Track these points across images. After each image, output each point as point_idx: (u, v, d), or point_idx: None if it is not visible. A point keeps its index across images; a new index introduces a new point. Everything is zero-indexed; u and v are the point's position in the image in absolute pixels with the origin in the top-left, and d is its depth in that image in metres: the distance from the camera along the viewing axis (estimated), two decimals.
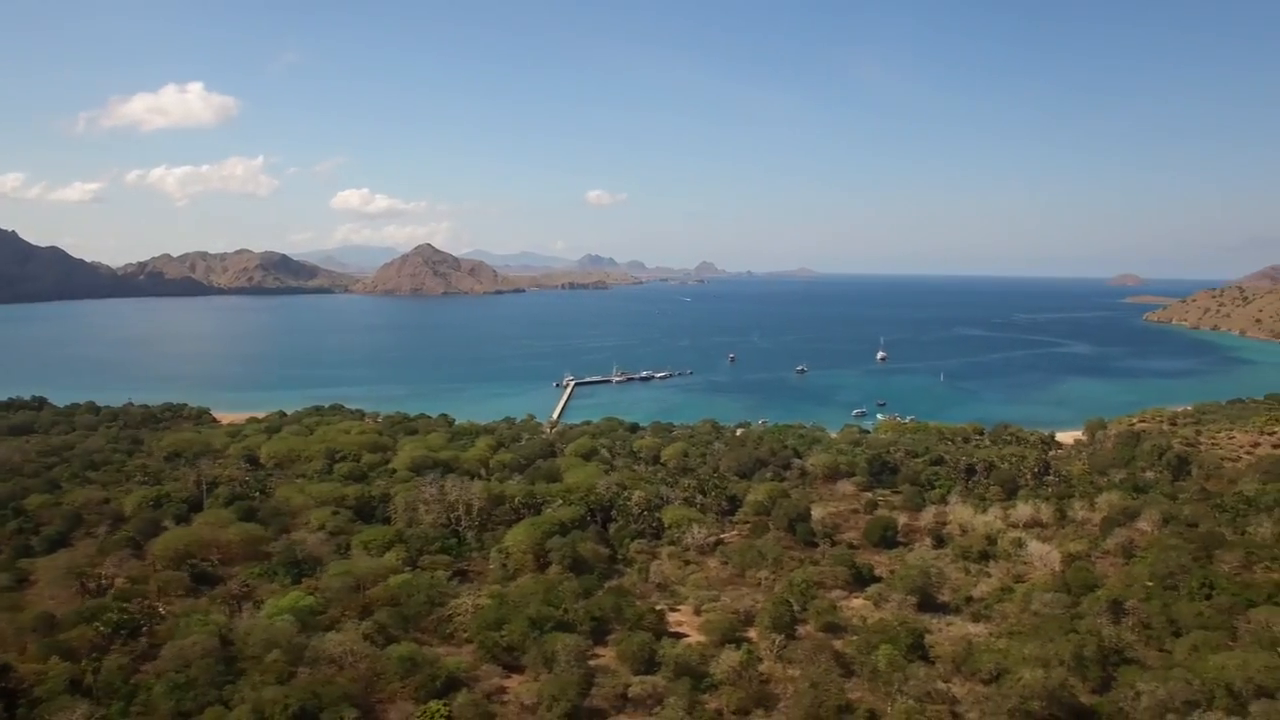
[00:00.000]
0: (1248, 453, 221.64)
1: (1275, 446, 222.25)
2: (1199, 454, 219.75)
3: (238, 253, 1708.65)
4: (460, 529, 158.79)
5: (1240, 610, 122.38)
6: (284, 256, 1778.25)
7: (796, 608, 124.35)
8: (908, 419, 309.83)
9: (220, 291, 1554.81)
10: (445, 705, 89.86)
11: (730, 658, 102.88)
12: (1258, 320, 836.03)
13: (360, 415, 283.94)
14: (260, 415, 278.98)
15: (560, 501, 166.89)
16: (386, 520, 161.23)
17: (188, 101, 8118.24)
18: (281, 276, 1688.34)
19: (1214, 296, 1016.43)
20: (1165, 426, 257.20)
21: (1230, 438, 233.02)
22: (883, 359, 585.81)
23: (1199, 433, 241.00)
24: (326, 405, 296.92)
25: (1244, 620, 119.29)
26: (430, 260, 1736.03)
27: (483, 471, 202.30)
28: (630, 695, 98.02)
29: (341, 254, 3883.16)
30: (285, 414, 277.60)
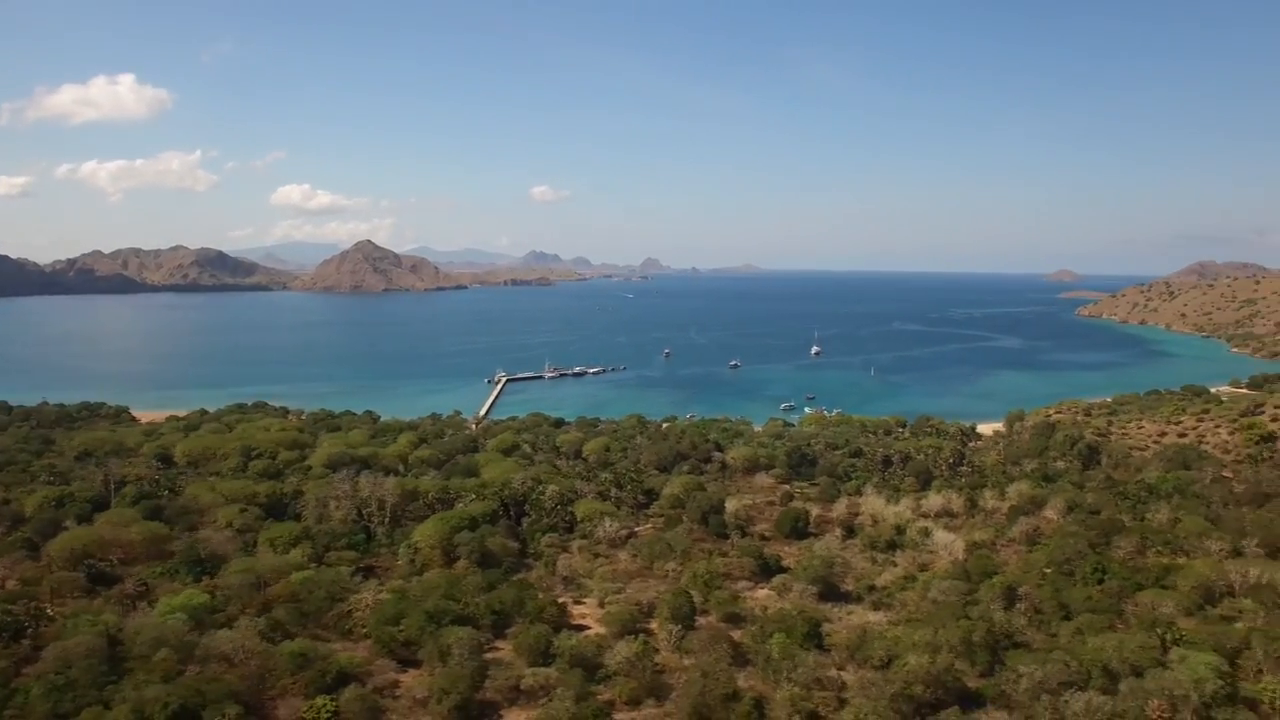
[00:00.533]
0: (1155, 442, 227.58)
1: (1181, 436, 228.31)
2: (1109, 444, 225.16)
3: (172, 249, 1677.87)
4: (371, 525, 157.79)
5: (1129, 594, 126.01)
6: (220, 253, 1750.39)
7: (699, 599, 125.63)
8: (834, 412, 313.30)
9: (154, 289, 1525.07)
10: (333, 700, 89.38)
11: (625, 649, 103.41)
12: (1183, 315, 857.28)
13: (284, 413, 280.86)
14: (181, 414, 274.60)
15: (474, 496, 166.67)
16: (297, 517, 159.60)
17: (118, 94, 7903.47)
18: (218, 273, 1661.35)
19: (1142, 292, 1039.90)
20: (1080, 417, 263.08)
21: (1139, 428, 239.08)
22: (817, 354, 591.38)
23: (1110, 423, 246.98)
24: (250, 403, 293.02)
25: (1131, 603, 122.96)
26: (371, 257, 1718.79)
27: (401, 467, 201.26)
28: (523, 687, 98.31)
29: (282, 250, 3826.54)
30: (207, 412, 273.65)
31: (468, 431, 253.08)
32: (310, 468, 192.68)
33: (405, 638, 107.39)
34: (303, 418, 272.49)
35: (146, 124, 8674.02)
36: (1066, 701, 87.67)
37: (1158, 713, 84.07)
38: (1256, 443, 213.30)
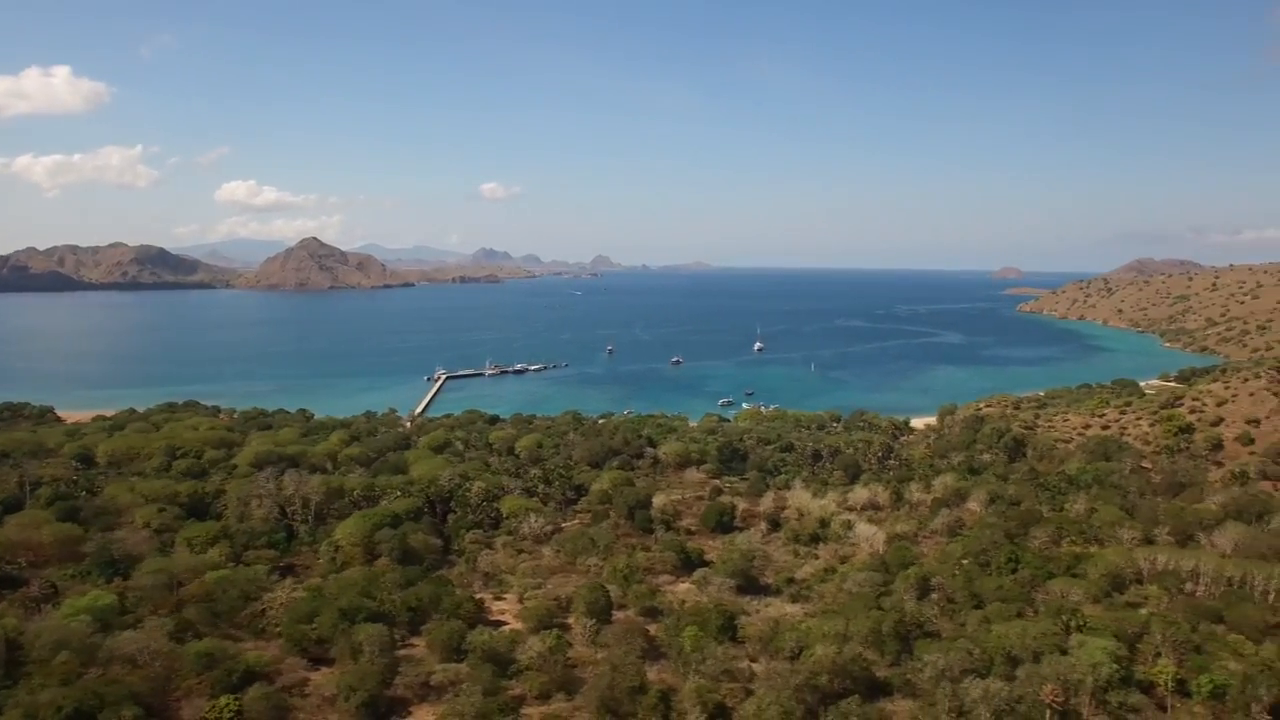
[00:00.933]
0: (1080, 434, 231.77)
1: (1104, 428, 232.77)
2: (1034, 437, 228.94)
3: (111, 246, 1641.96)
4: (294, 523, 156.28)
5: (1040, 582, 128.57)
6: (162, 250, 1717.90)
7: (619, 593, 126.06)
8: (771, 407, 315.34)
9: (91, 287, 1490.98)
10: (236, 700, 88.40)
11: (537, 644, 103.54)
12: (1119, 310, 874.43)
13: (215, 411, 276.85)
14: (110, 414, 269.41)
15: (399, 494, 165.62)
16: (219, 517, 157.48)
17: (53, 86, 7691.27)
18: (159, 271, 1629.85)
19: (1081, 288, 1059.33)
20: (1009, 411, 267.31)
21: (1065, 420, 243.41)
22: (760, 349, 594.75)
23: (1037, 416, 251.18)
24: (181, 402, 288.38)
25: (1042, 592, 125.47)
26: (316, 254, 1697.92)
27: (329, 465, 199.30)
28: (433, 683, 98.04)
29: (227, 248, 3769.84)
30: (135, 411, 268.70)
31: (401, 429, 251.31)
32: (235, 466, 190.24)
33: (318, 635, 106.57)
34: (234, 416, 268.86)
35: (84, 118, 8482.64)
36: (965, 688, 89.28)
37: (1051, 697, 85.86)
38: (1175, 434, 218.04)
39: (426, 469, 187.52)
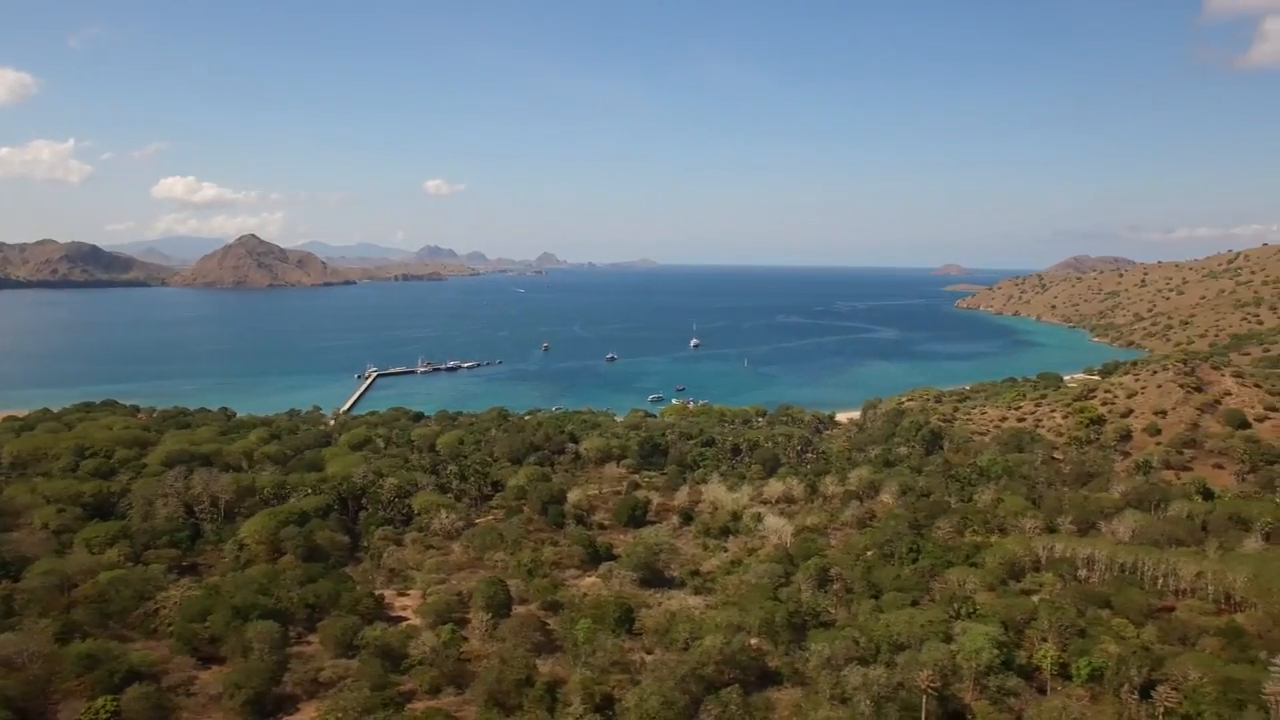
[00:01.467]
0: (996, 426, 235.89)
1: (1020, 420, 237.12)
2: (952, 429, 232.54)
3: (40, 243, 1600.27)
4: (201, 522, 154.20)
5: (939, 572, 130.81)
6: (94, 247, 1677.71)
7: (522, 587, 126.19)
8: (699, 403, 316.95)
9: (19, 285, 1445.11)
10: (114, 700, 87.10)
11: (430, 639, 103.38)
12: (1053, 306, 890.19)
13: (134, 411, 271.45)
14: (22, 414, 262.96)
15: (309, 491, 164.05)
16: (123, 517, 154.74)
17: None
18: (91, 269, 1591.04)
19: (1017, 285, 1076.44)
20: (930, 404, 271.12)
21: (983, 413, 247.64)
22: (696, 346, 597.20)
23: (956, 410, 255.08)
24: (99, 402, 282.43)
25: (940, 581, 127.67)
26: (255, 252, 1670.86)
27: (244, 464, 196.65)
28: (322, 679, 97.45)
29: (165, 245, 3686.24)
30: (50, 411, 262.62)
31: (323, 427, 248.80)
32: (145, 466, 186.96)
33: (211, 634, 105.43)
34: (153, 415, 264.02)
35: (10, 111, 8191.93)
36: (846, 676, 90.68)
37: (927, 683, 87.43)
38: (1086, 426, 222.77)
39: (342, 466, 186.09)
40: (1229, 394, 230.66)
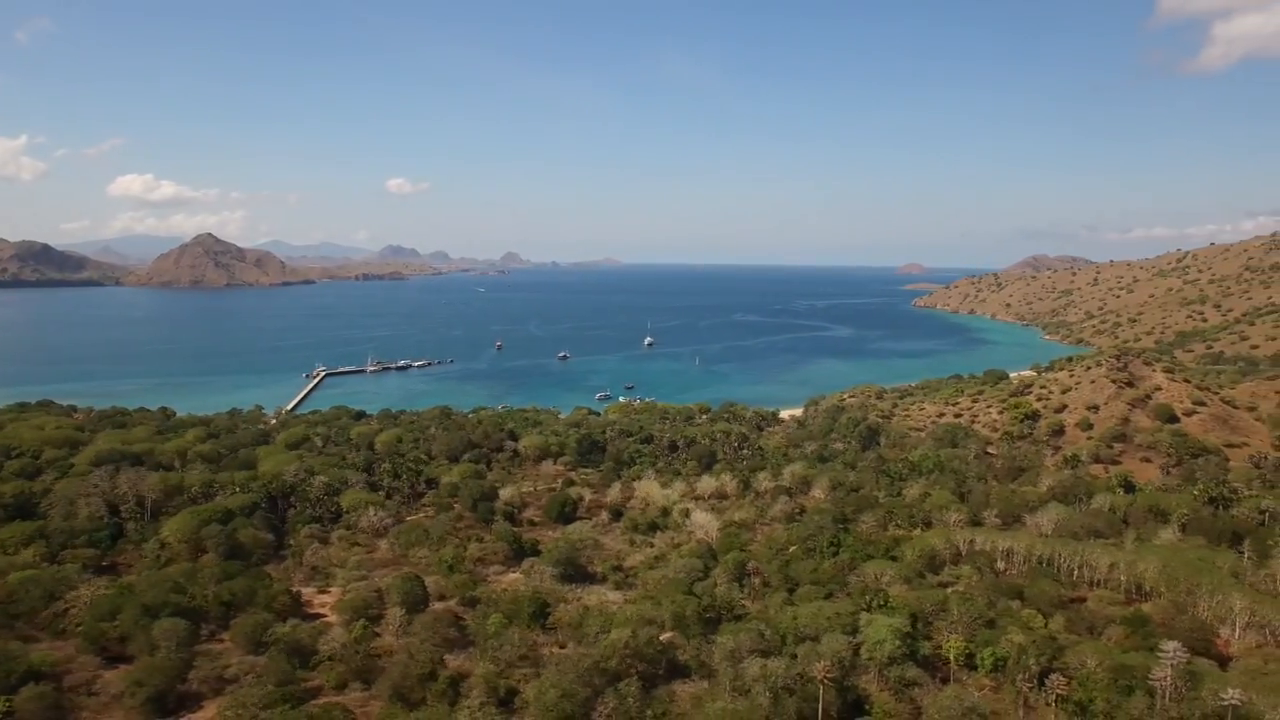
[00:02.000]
0: (934, 422, 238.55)
1: (957, 416, 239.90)
2: (889, 425, 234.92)
3: None
4: (125, 521, 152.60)
5: (858, 565, 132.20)
6: (46, 246, 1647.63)
7: (443, 583, 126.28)
8: (644, 400, 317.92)
9: None
10: (7, 700, 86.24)
11: (339, 635, 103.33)
12: (1008, 305, 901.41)
13: (70, 411, 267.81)
14: None
15: (238, 489, 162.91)
16: (45, 516, 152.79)
17: None
18: (42, 268, 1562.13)
19: (973, 283, 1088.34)
20: (871, 401, 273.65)
21: (921, 409, 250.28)
22: (650, 344, 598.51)
23: (895, 406, 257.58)
24: (34, 402, 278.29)
25: (857, 574, 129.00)
26: (211, 251, 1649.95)
27: (177, 463, 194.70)
28: (227, 676, 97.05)
29: (122, 244, 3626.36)
30: None
31: (262, 426, 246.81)
32: (73, 466, 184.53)
33: (120, 632, 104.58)
34: (90, 415, 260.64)
35: None
36: (745, 667, 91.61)
37: (823, 673, 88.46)
38: (1021, 420, 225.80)
39: (274, 465, 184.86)
40: (1159, 389, 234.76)
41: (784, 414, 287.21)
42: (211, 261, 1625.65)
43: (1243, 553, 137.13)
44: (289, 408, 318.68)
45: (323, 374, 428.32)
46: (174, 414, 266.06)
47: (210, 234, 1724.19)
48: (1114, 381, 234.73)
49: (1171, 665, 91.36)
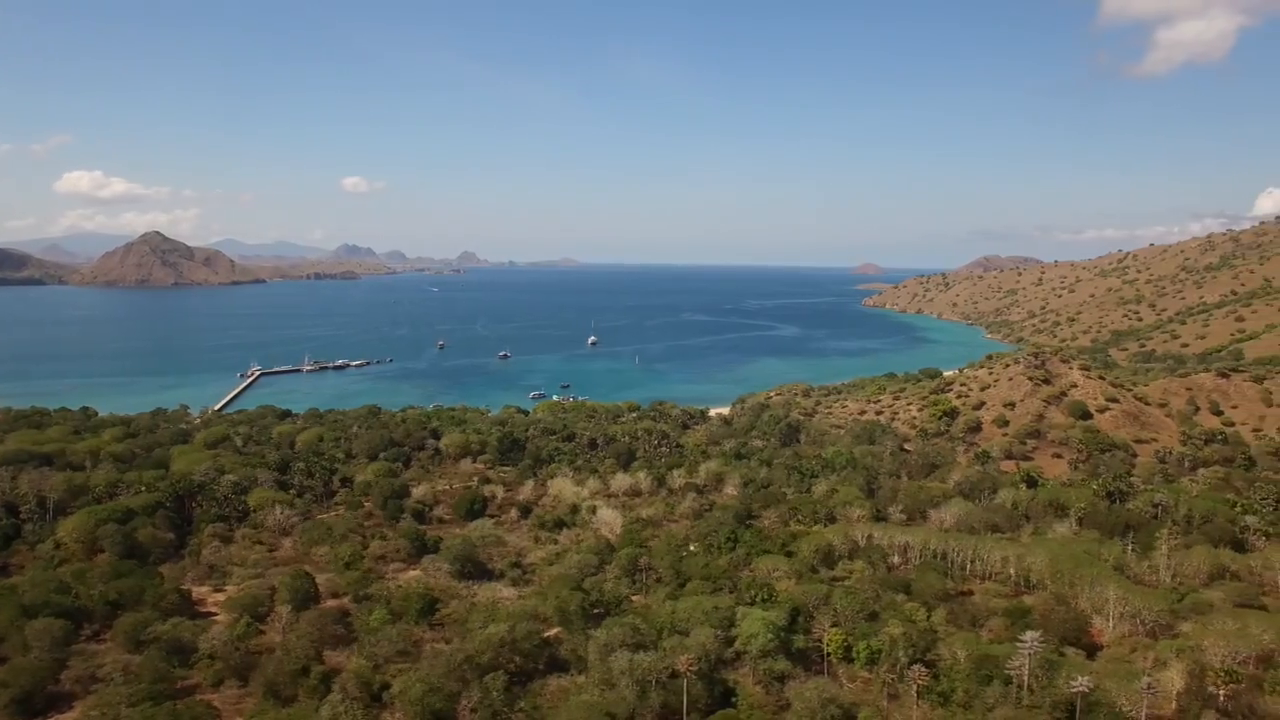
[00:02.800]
0: (855, 419, 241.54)
1: (878, 413, 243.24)
2: (810, 422, 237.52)
3: None
4: (22, 521, 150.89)
5: (753, 560, 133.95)
6: None
7: (338, 581, 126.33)
8: (577, 399, 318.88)
9: None
10: None
11: (222, 632, 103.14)
12: (954, 304, 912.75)
13: None
14: None
15: (144, 489, 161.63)
16: None
17: None
18: None
19: (921, 283, 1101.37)
20: (796, 398, 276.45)
21: (844, 407, 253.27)
22: (593, 343, 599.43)
23: (819, 403, 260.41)
24: None
25: (750, 570, 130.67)
26: (159, 249, 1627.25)
27: (89, 462, 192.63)
28: (101, 675, 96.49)
29: (70, 242, 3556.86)
30: None
31: (184, 425, 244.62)
32: None
33: None
34: (9, 415, 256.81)
35: None
36: (614, 660, 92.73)
37: (686, 666, 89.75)
38: (939, 418, 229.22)
39: (187, 464, 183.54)
40: (1075, 386, 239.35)
41: (713, 412, 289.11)
42: (159, 260, 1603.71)
43: (1129, 545, 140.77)
44: (217, 407, 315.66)
45: (258, 374, 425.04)
46: (96, 414, 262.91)
47: (158, 232, 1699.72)
48: (1031, 379, 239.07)
49: (1030, 655, 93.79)
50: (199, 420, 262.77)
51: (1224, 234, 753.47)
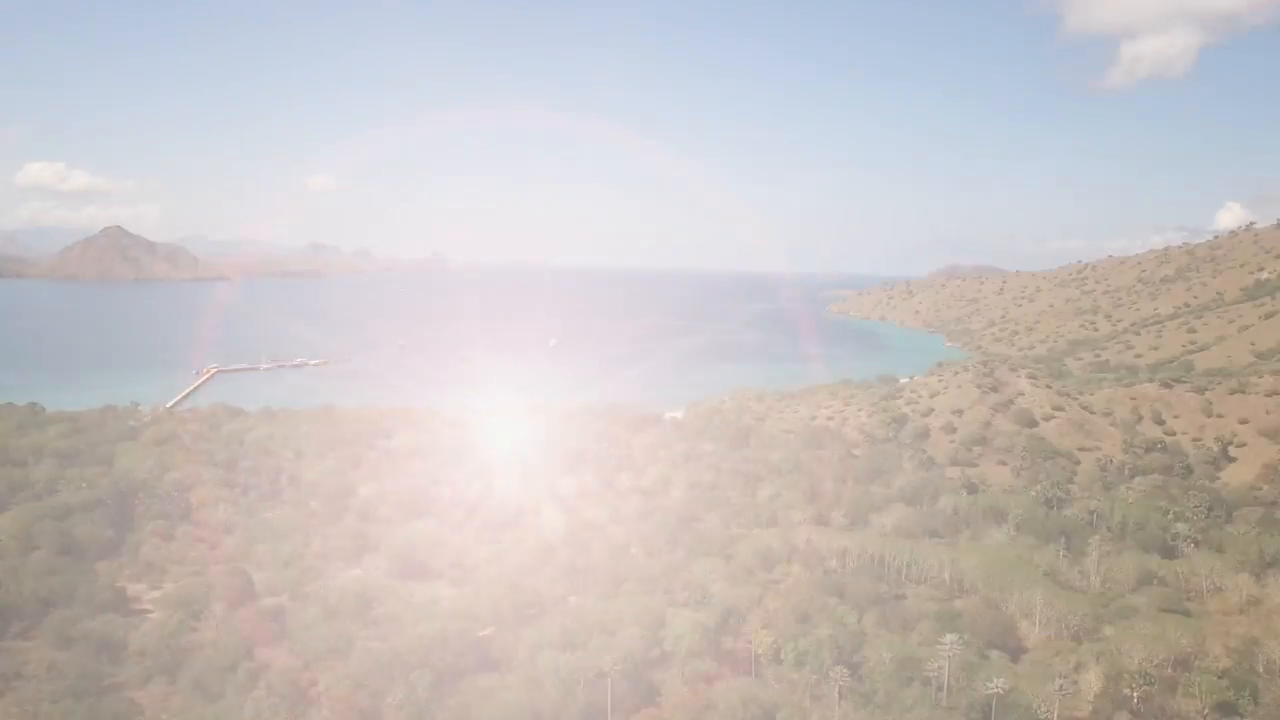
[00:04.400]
0: (806, 425, 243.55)
1: (829, 419, 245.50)
2: (761, 427, 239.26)
3: None
4: None
5: (691, 563, 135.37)
6: None
7: (276, 578, 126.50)
8: (532, 401, 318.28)
9: None
10: None
11: (153, 630, 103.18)
12: (917, 312, 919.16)
13: None
14: None
15: (85, 486, 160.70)
16: None
17: None
18: None
19: (886, 290, 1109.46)
20: (749, 403, 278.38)
21: (795, 412, 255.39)
22: (554, 345, 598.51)
23: (771, 408, 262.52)
24: None
25: (687, 572, 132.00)
26: (120, 244, 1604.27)
27: (31, 459, 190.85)
28: (25, 673, 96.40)
29: (28, 236, 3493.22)
30: None
31: (133, 423, 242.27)
32: None
33: None
34: None
35: None
36: (541, 659, 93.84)
37: (612, 666, 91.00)
38: (888, 424, 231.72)
39: (131, 461, 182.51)
40: (1022, 394, 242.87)
41: (667, 415, 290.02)
42: (119, 255, 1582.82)
43: (1062, 551, 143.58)
44: (169, 405, 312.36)
45: (213, 371, 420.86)
46: (43, 410, 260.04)
47: (119, 227, 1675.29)
48: (979, 387, 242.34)
49: (950, 657, 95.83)
50: (149, 418, 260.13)
51: (1180, 247, 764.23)
